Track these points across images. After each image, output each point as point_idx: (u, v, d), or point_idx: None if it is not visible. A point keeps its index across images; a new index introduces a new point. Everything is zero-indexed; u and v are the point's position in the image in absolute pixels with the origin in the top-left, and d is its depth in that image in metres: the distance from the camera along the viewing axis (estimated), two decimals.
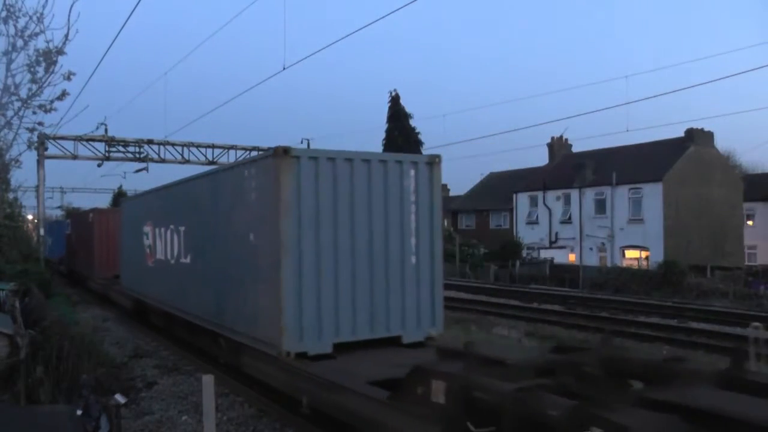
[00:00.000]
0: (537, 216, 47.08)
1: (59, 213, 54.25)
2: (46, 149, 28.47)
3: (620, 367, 4.97)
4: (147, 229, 13.90)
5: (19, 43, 10.36)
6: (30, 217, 41.40)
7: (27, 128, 11.60)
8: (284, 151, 7.48)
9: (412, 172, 8.34)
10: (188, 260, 11.08)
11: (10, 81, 10.58)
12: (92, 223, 22.17)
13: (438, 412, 4.99)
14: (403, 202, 8.24)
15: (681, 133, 41.09)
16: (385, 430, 5.67)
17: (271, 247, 7.62)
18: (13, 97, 10.77)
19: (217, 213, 9.63)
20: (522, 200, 48.68)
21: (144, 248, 14.13)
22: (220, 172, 10.10)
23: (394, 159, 8.40)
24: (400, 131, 44.75)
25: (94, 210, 24.55)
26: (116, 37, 13.38)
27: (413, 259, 8.28)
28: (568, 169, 45.37)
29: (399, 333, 8.13)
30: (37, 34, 10.30)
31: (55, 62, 10.46)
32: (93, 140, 29.74)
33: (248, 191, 8.43)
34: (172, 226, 11.98)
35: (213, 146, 32.50)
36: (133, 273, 15.62)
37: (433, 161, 8.45)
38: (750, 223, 47.19)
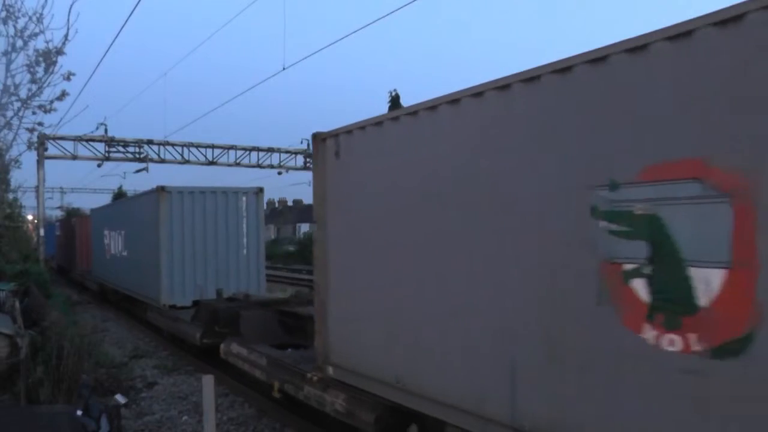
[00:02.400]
0: None
1: (59, 213, 54.28)
2: (46, 149, 28.48)
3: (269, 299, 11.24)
4: (106, 232, 19.76)
5: (19, 43, 10.35)
6: (30, 217, 41.43)
7: (27, 128, 11.58)
8: (162, 189, 13.44)
9: (244, 199, 13.91)
10: (126, 254, 17.03)
11: (9, 81, 10.57)
12: (74, 226, 27.62)
13: (203, 321, 11.20)
14: (238, 217, 13.83)
15: None
16: (185, 335, 11.90)
17: (156, 244, 13.48)
18: (13, 98, 10.76)
19: (136, 222, 15.68)
20: None
21: (104, 246, 19.86)
22: (138, 197, 16.66)
23: (232, 191, 13.95)
24: None
25: (76, 216, 31.13)
26: (116, 37, 13.39)
27: (244, 251, 13.90)
28: None
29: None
30: (36, 35, 10.29)
31: (54, 62, 10.45)
32: (93, 140, 29.74)
33: (147, 211, 14.42)
34: (118, 230, 17.90)
35: (213, 146, 32.50)
36: (99, 265, 21.54)
37: (258, 192, 14.14)
38: None
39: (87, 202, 57.19)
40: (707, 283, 3.17)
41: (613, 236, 3.65)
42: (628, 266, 3.57)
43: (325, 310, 6.66)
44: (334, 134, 6.52)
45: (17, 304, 11.39)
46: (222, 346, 9.45)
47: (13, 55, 10.43)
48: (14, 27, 10.29)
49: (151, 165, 31.16)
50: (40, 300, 14.11)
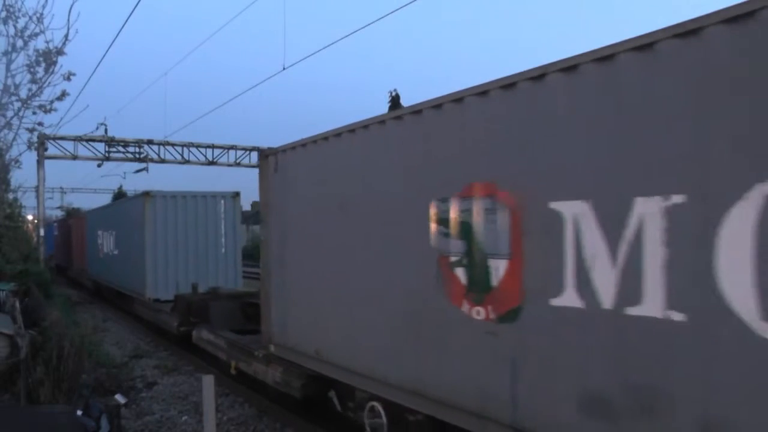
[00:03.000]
0: None
1: (59, 213, 54.26)
2: (46, 149, 28.48)
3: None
4: (99, 233, 21.28)
5: (19, 43, 10.34)
6: (30, 217, 41.43)
7: (27, 128, 11.56)
8: (147, 193, 15.12)
9: (222, 202, 15.24)
10: (116, 252, 18.52)
11: (9, 81, 10.56)
12: (71, 227, 28.93)
13: (180, 312, 12.64)
14: (217, 219, 15.08)
15: None
16: (165, 324, 13.55)
17: (142, 244, 15.02)
18: (13, 98, 10.75)
19: (125, 224, 17.13)
20: None
21: (98, 245, 21.32)
22: (126, 200, 19.33)
23: (211, 195, 15.20)
24: None
25: (73, 217, 32.26)
26: (116, 37, 13.38)
27: (223, 250, 15.17)
28: None
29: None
30: (36, 35, 10.28)
31: (54, 62, 10.44)
32: (93, 140, 29.74)
33: (134, 213, 15.89)
34: (110, 231, 19.47)
35: (213, 146, 32.50)
36: (93, 263, 22.87)
37: (235, 196, 15.46)
38: None
39: (87, 202, 57.19)
40: (497, 269, 4.66)
41: (444, 236, 5.14)
42: (453, 258, 5.06)
43: (268, 299, 8.05)
44: (274, 152, 7.99)
45: (17, 304, 11.40)
46: (194, 332, 11.23)
47: (14, 55, 10.43)
48: (14, 27, 10.29)
49: (151, 165, 31.16)
50: (40, 300, 14.12)
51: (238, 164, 32.83)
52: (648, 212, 3.62)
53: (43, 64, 10.43)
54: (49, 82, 10.61)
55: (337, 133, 6.55)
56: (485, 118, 4.77)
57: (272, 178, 8.03)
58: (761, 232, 3.10)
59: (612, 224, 3.83)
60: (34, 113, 11.08)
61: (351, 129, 6.31)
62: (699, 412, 3.36)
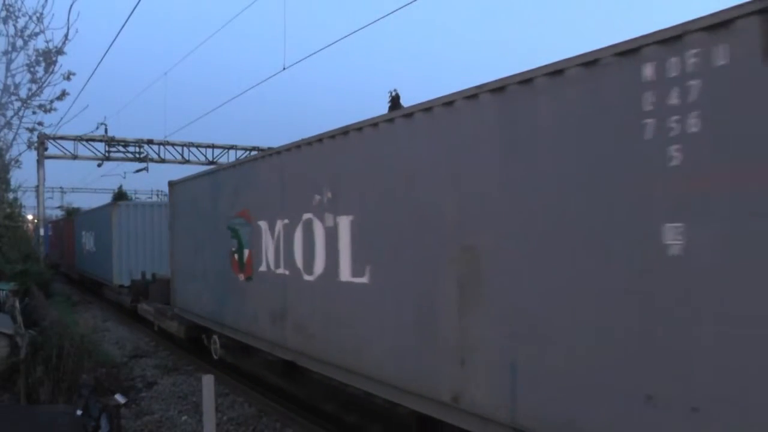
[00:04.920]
0: None
1: (59, 213, 54.22)
2: (46, 149, 28.47)
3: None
4: (83, 233, 24.86)
5: (19, 43, 10.33)
6: (30, 217, 41.42)
7: (27, 128, 11.56)
8: (115, 203, 19.96)
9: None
10: (94, 249, 22.46)
11: (9, 81, 10.56)
12: (63, 227, 32.15)
13: (133, 292, 16.50)
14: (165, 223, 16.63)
15: None
16: (123, 302, 17.61)
17: (110, 242, 18.85)
18: (13, 97, 10.74)
19: (100, 226, 20.98)
20: None
21: (83, 244, 24.72)
22: (101, 207, 22.60)
23: (166, 204, 15.29)
24: None
25: (65, 218, 36.28)
26: (116, 37, 13.38)
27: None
28: None
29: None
30: (36, 34, 10.27)
31: (54, 62, 10.43)
32: (93, 140, 29.73)
33: (106, 218, 19.76)
34: (90, 232, 23.21)
35: (213, 146, 32.49)
36: (79, 259, 26.19)
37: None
38: None
39: (87, 202, 57.13)
40: (246, 255, 8.62)
41: (231, 239, 9.16)
42: (233, 250, 9.11)
43: (175, 280, 12.40)
44: (173, 184, 12.41)
45: (17, 303, 11.40)
46: (138, 306, 15.49)
47: (14, 54, 10.42)
48: (14, 26, 10.28)
49: (151, 165, 31.14)
50: (40, 300, 14.12)
51: None
52: (275, 225, 7.84)
53: (43, 64, 10.43)
54: (49, 82, 10.61)
55: (192, 178, 11.40)
56: (235, 183, 9.17)
57: (172, 202, 12.49)
58: (286, 234, 7.50)
59: (275, 232, 7.83)
60: (34, 113, 11.09)
61: (212, 171, 10.66)
62: (355, 332, 6.20)
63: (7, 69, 10.51)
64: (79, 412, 6.27)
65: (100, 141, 30.00)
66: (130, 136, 30.82)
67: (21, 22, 10.25)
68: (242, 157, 32.91)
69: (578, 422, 3.90)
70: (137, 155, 30.97)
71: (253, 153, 32.82)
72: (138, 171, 31.85)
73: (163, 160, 31.40)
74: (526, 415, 4.28)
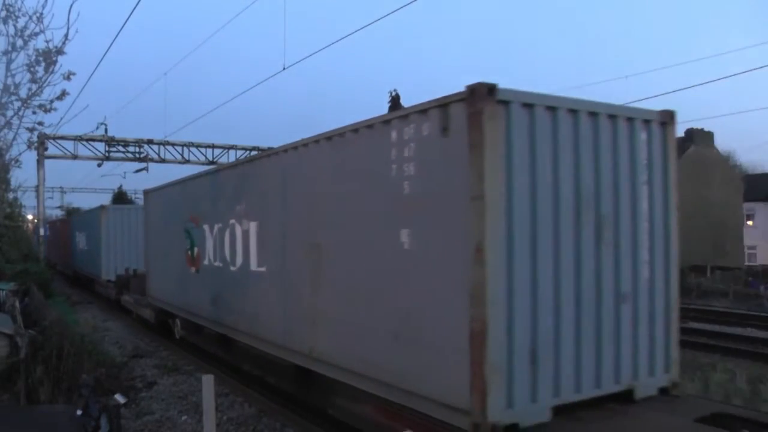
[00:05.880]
0: None
1: (59, 213, 54.23)
2: (46, 149, 28.48)
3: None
4: (77, 233, 26.63)
5: (19, 42, 10.32)
6: (30, 217, 41.42)
7: (27, 128, 11.53)
8: (103, 207, 22.34)
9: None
10: (86, 248, 24.28)
11: (9, 81, 10.54)
12: (59, 228, 33.52)
13: (117, 286, 18.73)
14: None
15: (681, 133, 41.11)
16: (110, 295, 19.93)
17: (99, 242, 21.29)
18: (13, 97, 10.73)
19: (90, 228, 23.11)
20: None
21: (77, 243, 26.68)
22: (90, 211, 25.20)
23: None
24: None
25: (61, 219, 38.64)
26: (116, 37, 13.38)
27: None
28: None
29: None
30: (36, 34, 10.25)
31: (54, 62, 10.42)
32: (93, 140, 29.73)
33: (95, 220, 21.95)
34: (83, 232, 25.04)
35: (213, 146, 32.50)
36: (73, 257, 27.92)
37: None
38: (750, 223, 47.16)
39: (87, 202, 57.09)
40: (196, 252, 10.87)
41: (185, 239, 11.27)
42: (187, 248, 11.23)
43: (148, 274, 14.45)
44: (148, 192, 14.54)
45: (17, 303, 11.39)
46: (121, 298, 17.72)
47: (14, 54, 10.41)
48: (14, 26, 10.26)
49: (151, 165, 31.15)
50: (40, 300, 14.11)
51: None
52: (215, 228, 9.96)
53: (43, 64, 10.41)
54: (49, 82, 10.59)
55: (161, 188, 13.43)
56: (189, 194, 11.39)
57: (146, 207, 14.89)
58: (219, 235, 9.76)
59: (213, 233, 9.96)
60: (34, 113, 11.06)
61: (158, 188, 13.62)
62: (258, 308, 8.43)
63: (7, 69, 10.51)
64: (79, 412, 6.27)
65: (100, 141, 30.00)
66: (130, 136, 30.85)
67: (21, 22, 10.24)
68: (242, 156, 32.99)
69: (357, 348, 6.16)
70: (137, 155, 30.97)
71: (253, 153, 32.91)
72: (138, 171, 31.85)
73: (163, 160, 31.40)
74: (333, 353, 6.57)
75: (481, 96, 4.67)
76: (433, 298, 5.12)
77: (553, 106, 5.07)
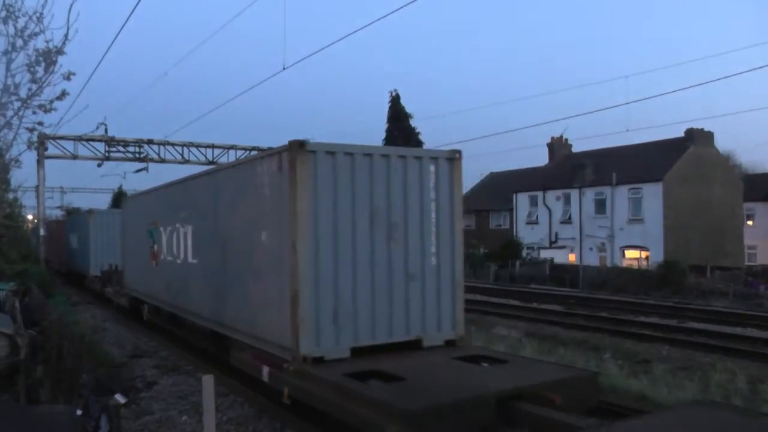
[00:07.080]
0: (537, 216, 47.05)
1: (59, 213, 54.25)
2: (46, 149, 28.49)
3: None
4: (70, 234, 28.96)
5: (19, 42, 10.30)
6: (30, 217, 41.46)
7: (27, 128, 11.50)
8: (90, 211, 26.23)
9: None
10: (78, 247, 26.92)
11: (9, 81, 10.52)
12: (56, 228, 34.99)
13: (102, 280, 21.77)
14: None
15: (681, 133, 41.06)
16: (96, 288, 23.23)
17: (87, 241, 24.91)
18: (13, 97, 10.71)
19: (80, 229, 26.07)
20: (522, 200, 48.66)
21: (70, 243, 28.85)
22: (80, 214, 29.14)
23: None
24: (400, 131, 44.76)
25: (56, 220, 40.62)
26: (116, 37, 13.40)
27: None
28: (567, 169, 45.31)
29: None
30: (36, 34, 10.23)
31: (54, 62, 10.39)
32: (93, 140, 29.75)
33: (84, 222, 25.77)
34: (75, 233, 27.61)
35: (213, 146, 32.51)
36: (67, 256, 30.08)
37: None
38: (750, 223, 47.16)
39: (87, 202, 57.16)
40: (156, 249, 13.26)
41: (148, 239, 13.86)
42: (150, 246, 13.71)
43: (125, 269, 17.05)
44: (126, 199, 18.69)
45: (17, 303, 11.38)
46: (105, 290, 20.22)
47: (13, 54, 10.38)
48: (14, 26, 10.24)
49: (151, 165, 31.17)
50: (40, 300, 14.11)
51: None
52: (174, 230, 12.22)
53: (43, 64, 10.39)
54: (49, 82, 10.56)
55: (136, 195, 16.54)
56: (152, 202, 13.84)
57: (123, 212, 17.64)
58: (170, 236, 12.42)
59: (167, 234, 12.46)
60: (34, 113, 11.02)
61: (133, 196, 17.03)
62: (191, 291, 11.18)
63: (7, 69, 10.49)
64: (79, 412, 6.27)
65: (100, 141, 30.02)
66: (130, 136, 30.88)
67: (21, 22, 10.21)
68: (242, 156, 33.04)
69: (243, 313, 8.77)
70: (137, 155, 30.99)
71: (253, 153, 32.94)
72: (138, 171, 31.88)
73: (163, 160, 31.42)
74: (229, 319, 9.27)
75: (295, 148, 7.03)
76: (276, 275, 7.47)
77: (350, 152, 7.32)
